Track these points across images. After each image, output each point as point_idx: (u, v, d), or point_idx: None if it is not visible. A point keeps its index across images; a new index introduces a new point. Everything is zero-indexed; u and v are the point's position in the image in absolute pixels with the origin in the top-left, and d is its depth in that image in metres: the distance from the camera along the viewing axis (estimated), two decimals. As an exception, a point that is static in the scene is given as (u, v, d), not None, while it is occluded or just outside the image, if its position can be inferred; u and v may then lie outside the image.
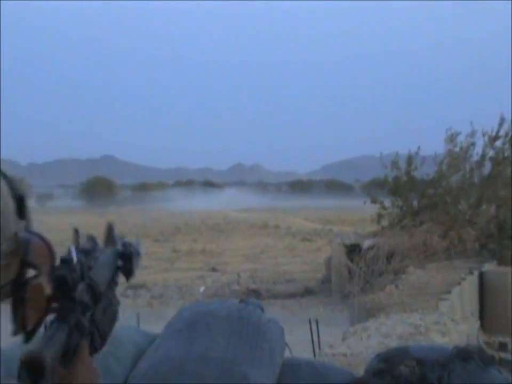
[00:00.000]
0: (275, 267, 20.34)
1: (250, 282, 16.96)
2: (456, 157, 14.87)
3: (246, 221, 44.78)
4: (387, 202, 15.66)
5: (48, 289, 1.13)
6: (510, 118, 14.38)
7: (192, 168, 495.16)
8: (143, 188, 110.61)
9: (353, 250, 14.10)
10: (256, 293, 15.11)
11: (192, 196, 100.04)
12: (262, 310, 2.56)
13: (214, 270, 19.96)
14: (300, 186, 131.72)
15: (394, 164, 15.55)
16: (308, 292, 15.57)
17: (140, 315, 9.35)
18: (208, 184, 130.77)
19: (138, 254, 1.44)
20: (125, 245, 1.42)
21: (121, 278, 1.41)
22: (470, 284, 9.87)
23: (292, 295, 15.29)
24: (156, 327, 2.94)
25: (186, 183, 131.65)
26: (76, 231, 1.28)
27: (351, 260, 13.85)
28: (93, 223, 28.61)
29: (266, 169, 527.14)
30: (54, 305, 1.16)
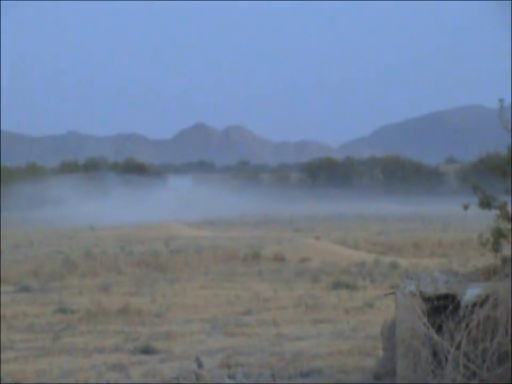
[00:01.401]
0: (276, 344, 12.01)
1: (224, 376, 9.80)
2: None
3: (213, 245, 29.48)
4: None
5: None
6: None
7: (102, 135, 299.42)
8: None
9: (442, 308, 8.18)
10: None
11: (99, 195, 63.15)
12: None
13: (147, 351, 11.85)
14: (329, 171, 72.17)
15: None
16: (348, 396, 9.14)
17: None
18: (134, 169, 75.60)
19: None
20: None
21: None
22: None
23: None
24: None
25: (86, 166, 73.10)
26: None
27: (438, 330, 8.03)
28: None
29: (258, 136, 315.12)
30: None
